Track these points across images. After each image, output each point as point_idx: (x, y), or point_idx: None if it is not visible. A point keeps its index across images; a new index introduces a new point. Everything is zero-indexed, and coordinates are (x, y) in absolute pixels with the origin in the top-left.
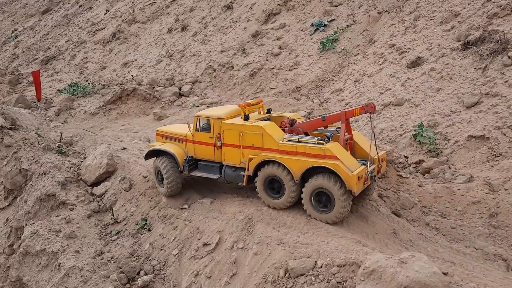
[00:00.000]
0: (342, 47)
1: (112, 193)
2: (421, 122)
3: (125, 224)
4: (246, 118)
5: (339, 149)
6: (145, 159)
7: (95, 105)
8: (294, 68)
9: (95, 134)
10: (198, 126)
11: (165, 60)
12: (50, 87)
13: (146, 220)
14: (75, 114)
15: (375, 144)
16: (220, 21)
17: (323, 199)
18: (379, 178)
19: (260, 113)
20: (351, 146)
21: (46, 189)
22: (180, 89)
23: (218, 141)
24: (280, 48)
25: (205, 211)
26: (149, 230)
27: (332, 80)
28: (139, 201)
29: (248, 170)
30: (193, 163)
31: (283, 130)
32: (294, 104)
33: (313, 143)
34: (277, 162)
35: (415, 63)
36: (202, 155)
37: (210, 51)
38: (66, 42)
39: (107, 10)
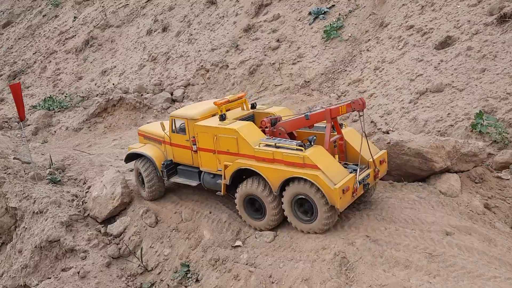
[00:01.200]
0: (349, 34)
1: (134, 231)
2: (480, 110)
3: (159, 273)
4: (222, 118)
5: (320, 156)
6: (125, 163)
7: (77, 119)
8: (298, 61)
9: (89, 154)
10: (174, 127)
11: (148, 64)
12: None
13: (188, 266)
14: (55, 131)
15: (368, 145)
16: (205, 18)
17: (305, 207)
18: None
19: (244, 110)
20: (341, 148)
21: (47, 233)
22: (172, 94)
23: (193, 145)
24: (278, 41)
25: (271, 250)
26: (197, 280)
27: (345, 70)
28: (173, 240)
29: (224, 178)
30: (173, 167)
31: (263, 131)
32: (308, 101)
33: (291, 149)
34: (255, 178)
35: (444, 44)
36: (181, 159)
37: (199, 51)
38: (33, 54)
39: (75, 17)
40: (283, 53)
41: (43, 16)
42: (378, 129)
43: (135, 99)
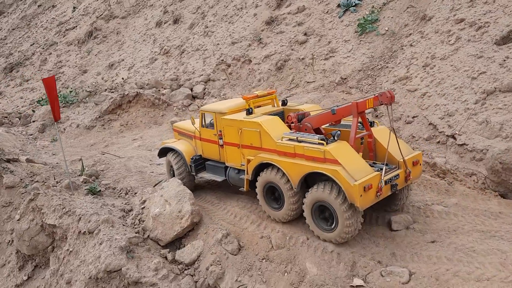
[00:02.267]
0: (386, 28)
1: (213, 260)
2: None
3: None
4: (249, 112)
5: (343, 151)
6: (159, 157)
7: (89, 116)
8: (331, 57)
9: (118, 157)
10: (203, 122)
11: (160, 58)
12: (21, 98)
13: None
14: (64, 129)
15: (398, 144)
16: (221, 9)
17: (326, 214)
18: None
19: (274, 106)
20: (370, 146)
21: (105, 261)
22: (191, 90)
23: (220, 139)
24: (305, 34)
25: None
26: None
27: (386, 67)
28: (266, 273)
29: (247, 173)
30: (201, 162)
31: (289, 126)
32: (350, 99)
33: (313, 143)
34: (276, 166)
35: (507, 39)
36: (209, 154)
37: (218, 44)
38: (31, 45)
39: (74, 7)
40: (312, 47)
41: (38, 6)
42: (440, 132)
43: (153, 95)
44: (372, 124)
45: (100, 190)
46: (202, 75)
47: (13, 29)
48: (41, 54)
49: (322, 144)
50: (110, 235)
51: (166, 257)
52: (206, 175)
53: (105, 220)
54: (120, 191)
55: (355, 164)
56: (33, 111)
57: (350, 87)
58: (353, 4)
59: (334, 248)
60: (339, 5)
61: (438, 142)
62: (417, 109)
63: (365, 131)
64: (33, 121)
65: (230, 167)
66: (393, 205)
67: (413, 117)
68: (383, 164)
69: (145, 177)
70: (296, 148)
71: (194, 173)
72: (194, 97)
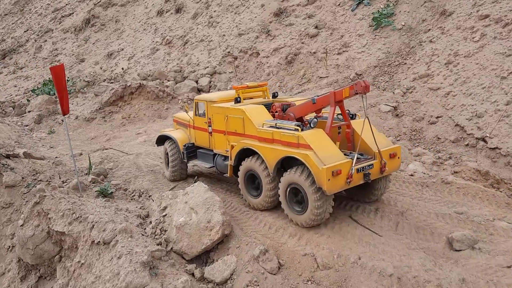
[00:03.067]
0: (402, 23)
1: (250, 280)
2: None
3: None
4: (237, 101)
5: (316, 138)
6: (156, 145)
7: (88, 107)
8: (344, 51)
9: (127, 154)
10: (197, 111)
11: (162, 48)
12: (15, 86)
13: None
14: (62, 120)
15: (373, 135)
16: None
17: (298, 197)
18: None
19: (265, 98)
20: (348, 137)
21: (126, 279)
22: (197, 82)
23: (209, 126)
24: (316, 27)
25: None
26: None
27: (405, 63)
28: None
29: (231, 159)
30: (194, 150)
31: (273, 115)
32: (368, 97)
33: (289, 129)
34: (257, 154)
35: None
36: (200, 142)
37: (224, 35)
38: (25, 32)
39: None
40: (324, 41)
41: None
42: (468, 134)
43: (157, 87)
44: (353, 116)
45: (112, 192)
46: (207, 67)
47: (5, 15)
48: (35, 41)
49: (297, 130)
50: (130, 247)
51: (193, 274)
52: (196, 162)
53: (123, 230)
54: (132, 193)
55: (327, 150)
56: (28, 100)
57: None
58: None
59: (393, 271)
60: None
61: (467, 144)
62: (441, 109)
63: (355, 121)
64: (29, 111)
65: (218, 154)
66: (371, 195)
67: (437, 117)
68: (360, 154)
69: (158, 177)
70: (274, 134)
71: (185, 160)
72: (199, 90)
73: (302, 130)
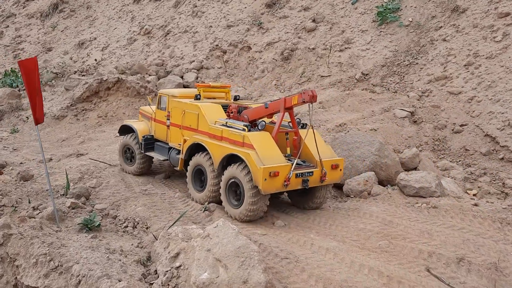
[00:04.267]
0: (410, 19)
1: None
2: None
3: None
4: (197, 98)
5: (261, 139)
6: (119, 135)
7: (58, 103)
8: (347, 48)
9: (110, 165)
10: (159, 104)
11: (140, 38)
12: None
13: None
14: (28, 117)
15: (316, 144)
16: None
17: (237, 192)
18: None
19: (227, 100)
20: (295, 144)
21: None
22: (182, 78)
23: (167, 120)
24: (314, 21)
25: None
26: None
27: (416, 63)
28: None
29: (182, 153)
30: (152, 142)
31: (229, 116)
32: (380, 100)
33: (237, 129)
34: (206, 150)
35: None
36: (159, 135)
37: (211, 26)
38: None
39: None
40: (323, 36)
41: None
42: (502, 146)
43: (138, 83)
44: (304, 126)
45: (99, 224)
46: (193, 61)
47: None
48: None
49: (244, 130)
50: None
51: None
52: (152, 154)
53: None
54: (124, 222)
55: (268, 152)
56: None
57: (374, 85)
58: None
59: None
60: None
61: (502, 158)
62: (465, 116)
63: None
64: None
65: (172, 148)
66: (311, 202)
67: (462, 125)
68: (302, 161)
69: (155, 200)
70: (223, 131)
71: (143, 151)
72: (185, 87)
73: (249, 130)
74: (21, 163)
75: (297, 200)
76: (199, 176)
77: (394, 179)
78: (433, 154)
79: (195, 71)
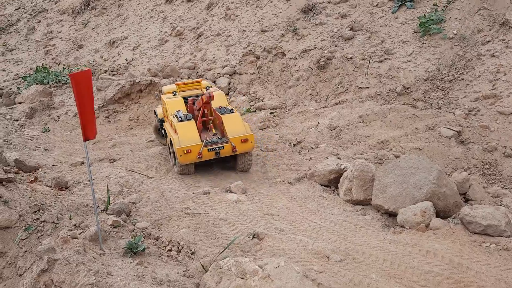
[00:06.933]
0: (454, 32)
1: None
2: None
3: None
4: (174, 94)
5: (184, 127)
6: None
7: None
8: (386, 59)
9: (148, 176)
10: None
11: (172, 40)
12: (4, 70)
13: None
14: (59, 117)
15: (224, 127)
16: None
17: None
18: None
19: (201, 90)
20: (220, 127)
21: None
22: (214, 82)
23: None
24: (351, 29)
25: None
26: None
27: (461, 79)
28: None
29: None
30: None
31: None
32: (423, 117)
33: (175, 119)
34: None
35: None
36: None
37: (244, 31)
38: (16, 10)
39: None
40: (361, 46)
41: None
42: None
43: None
44: (231, 111)
45: (144, 249)
46: (226, 66)
47: None
48: (28, 21)
49: (176, 120)
50: None
51: None
52: (164, 131)
53: None
54: (168, 245)
55: (187, 136)
56: (18, 88)
57: (415, 99)
58: None
59: None
60: None
61: None
62: None
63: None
64: (19, 103)
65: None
66: (238, 166)
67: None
68: (219, 138)
69: (199, 222)
70: (172, 121)
71: (160, 128)
72: None
73: (179, 121)
74: (53, 165)
75: (232, 165)
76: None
77: (452, 210)
78: (482, 178)
79: (228, 76)
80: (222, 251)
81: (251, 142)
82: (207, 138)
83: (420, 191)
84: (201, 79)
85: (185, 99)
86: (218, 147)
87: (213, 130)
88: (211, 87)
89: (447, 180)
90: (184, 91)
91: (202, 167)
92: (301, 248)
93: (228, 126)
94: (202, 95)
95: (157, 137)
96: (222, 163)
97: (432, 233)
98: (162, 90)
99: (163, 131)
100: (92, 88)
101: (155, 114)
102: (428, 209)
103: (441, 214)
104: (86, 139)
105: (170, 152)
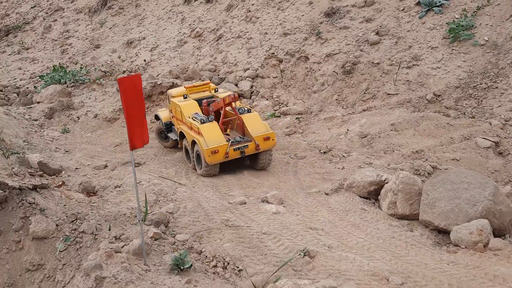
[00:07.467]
0: (486, 38)
1: None
2: None
3: None
4: (185, 97)
5: (209, 128)
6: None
7: (110, 104)
8: (415, 65)
9: (179, 183)
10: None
11: (191, 41)
12: (20, 69)
13: None
14: (78, 117)
15: (245, 127)
16: None
17: (199, 160)
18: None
19: (210, 92)
20: (241, 126)
21: None
22: (236, 86)
23: (170, 112)
24: (377, 34)
25: None
26: None
27: (495, 87)
28: None
29: (177, 135)
30: (170, 126)
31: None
32: (458, 126)
33: (196, 121)
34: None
35: None
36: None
37: (266, 33)
38: (32, 8)
39: None
40: (388, 51)
41: None
42: None
43: None
44: (249, 110)
45: (191, 266)
46: (248, 69)
47: None
48: (44, 19)
49: (199, 122)
50: None
51: None
52: (170, 134)
53: None
54: (212, 260)
55: (213, 137)
56: (35, 87)
57: (447, 108)
58: (438, 3)
59: None
60: (418, 3)
61: None
62: None
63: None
64: (38, 102)
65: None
66: (258, 164)
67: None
68: (241, 137)
69: (242, 236)
70: (192, 124)
71: (165, 132)
72: (240, 96)
73: (203, 123)
74: (76, 168)
75: (251, 162)
76: (186, 151)
77: (507, 229)
78: None
79: (250, 79)
80: (276, 271)
81: (273, 139)
82: (231, 138)
83: (474, 208)
84: (209, 81)
85: (198, 101)
86: (243, 146)
87: (228, 130)
88: (218, 89)
89: (503, 196)
90: (193, 94)
91: (221, 168)
92: (357, 268)
93: (250, 125)
94: (228, 96)
95: (160, 140)
96: (236, 163)
97: (492, 254)
98: (170, 93)
99: (174, 134)
100: (142, 94)
101: (158, 118)
102: (485, 227)
103: (496, 232)
104: (132, 147)
105: (189, 154)
